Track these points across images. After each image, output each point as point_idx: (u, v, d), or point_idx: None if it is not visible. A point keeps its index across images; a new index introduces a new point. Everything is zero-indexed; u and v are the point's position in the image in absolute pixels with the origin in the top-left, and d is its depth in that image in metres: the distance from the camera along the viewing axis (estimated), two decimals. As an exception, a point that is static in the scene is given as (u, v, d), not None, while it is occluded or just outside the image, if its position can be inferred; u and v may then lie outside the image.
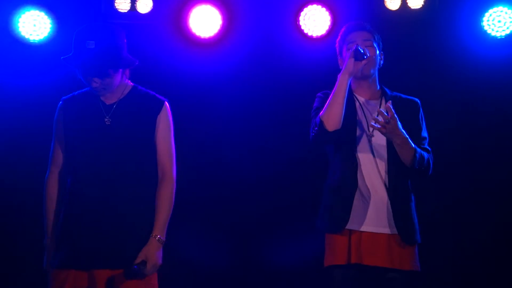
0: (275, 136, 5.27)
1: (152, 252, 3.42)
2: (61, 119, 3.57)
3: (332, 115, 3.72)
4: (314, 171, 5.01)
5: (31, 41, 5.10)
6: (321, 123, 3.72)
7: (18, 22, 5.08)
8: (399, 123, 3.67)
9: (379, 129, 3.67)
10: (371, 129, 3.81)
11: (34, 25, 5.09)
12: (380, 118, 3.65)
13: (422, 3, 5.05)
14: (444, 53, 5.16)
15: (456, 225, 5.15)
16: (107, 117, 3.52)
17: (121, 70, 3.52)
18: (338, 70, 3.88)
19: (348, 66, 3.75)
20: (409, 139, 3.73)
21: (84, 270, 3.40)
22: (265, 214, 5.21)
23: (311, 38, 5.11)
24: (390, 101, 3.73)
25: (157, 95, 3.62)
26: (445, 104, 5.08)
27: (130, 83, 3.61)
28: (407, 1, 5.06)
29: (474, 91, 5.15)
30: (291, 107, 5.20)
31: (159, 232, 3.46)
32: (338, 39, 3.97)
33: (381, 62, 3.97)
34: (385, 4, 5.07)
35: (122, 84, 3.56)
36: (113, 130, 3.49)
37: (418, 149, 3.78)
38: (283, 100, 5.26)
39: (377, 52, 3.89)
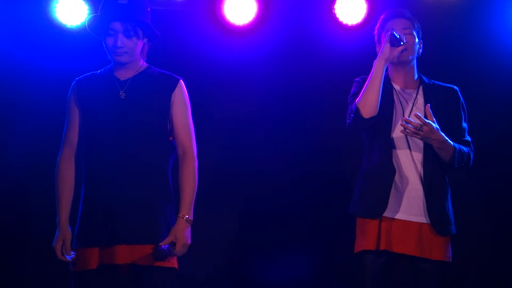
0: (308, 124, 5.26)
1: (181, 233, 3.45)
2: (75, 97, 3.60)
3: (368, 101, 3.71)
4: (349, 159, 5.02)
5: (68, 26, 5.12)
6: (357, 110, 3.72)
7: (55, 7, 5.09)
8: (434, 125, 3.64)
9: (412, 136, 3.67)
10: (406, 116, 3.78)
11: (71, 11, 5.09)
12: (414, 120, 3.63)
13: (458, -7, 5.04)
14: (479, 43, 5.12)
15: (493, 219, 5.12)
16: (122, 91, 3.55)
17: (142, 43, 3.56)
18: (374, 59, 3.87)
19: (384, 51, 3.74)
20: (448, 140, 3.71)
21: (105, 246, 3.43)
22: (291, 203, 5.23)
23: (346, 26, 5.08)
24: (429, 105, 3.70)
25: (172, 74, 3.64)
26: (480, 96, 5.03)
27: (145, 64, 3.64)
28: (443, -10, 5.04)
29: (508, 82, 5.10)
30: (326, 96, 5.20)
31: (186, 212, 3.48)
32: (377, 27, 3.95)
33: (420, 50, 3.93)
34: (421, -7, 5.06)
35: (138, 61, 3.60)
36: (128, 104, 3.51)
37: (458, 146, 3.76)
38: (318, 88, 5.25)
39: (416, 40, 3.86)
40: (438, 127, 3.67)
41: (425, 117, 3.67)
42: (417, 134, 3.63)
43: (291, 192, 5.21)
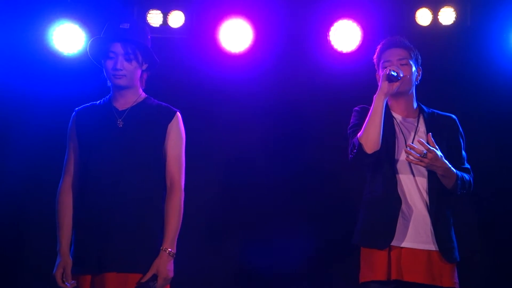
0: (305, 151, 5.29)
1: (163, 266, 3.45)
2: (74, 127, 3.63)
3: (370, 137, 3.70)
4: (338, 182, 5.04)
5: (65, 54, 5.15)
6: (360, 145, 3.70)
7: (52, 35, 5.13)
8: (438, 153, 3.64)
9: (416, 164, 3.66)
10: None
11: (68, 39, 5.11)
12: (418, 147, 3.62)
13: (454, 20, 5.06)
14: (475, 69, 5.14)
15: (493, 243, 5.12)
16: (120, 119, 3.57)
17: (141, 70, 3.59)
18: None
19: (382, 87, 3.73)
20: (451, 167, 3.71)
21: (97, 274, 3.44)
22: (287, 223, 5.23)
23: (341, 53, 5.11)
24: (431, 133, 3.69)
25: (169, 106, 3.67)
26: (475, 122, 5.05)
27: (144, 94, 3.67)
28: (438, 17, 5.07)
29: (505, 109, 5.12)
30: (322, 123, 5.23)
31: (169, 245, 3.48)
32: (375, 56, 3.94)
33: (419, 77, 3.93)
34: (416, 20, 5.08)
35: (136, 89, 3.63)
36: (125, 133, 3.54)
37: (460, 174, 3.76)
38: (314, 115, 5.27)
39: (413, 69, 3.86)
40: (441, 154, 3.67)
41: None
42: (421, 161, 3.63)
43: (291, 222, 5.21)
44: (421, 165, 3.66)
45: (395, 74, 3.72)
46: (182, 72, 5.23)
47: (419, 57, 3.94)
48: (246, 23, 5.13)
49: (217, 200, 5.26)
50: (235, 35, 5.14)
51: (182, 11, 5.17)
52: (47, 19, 5.12)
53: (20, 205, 5.24)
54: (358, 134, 3.74)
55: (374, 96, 3.75)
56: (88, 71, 4.95)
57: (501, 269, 5.08)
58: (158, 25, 5.14)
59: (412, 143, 3.74)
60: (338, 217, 5.09)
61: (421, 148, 3.62)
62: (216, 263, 5.20)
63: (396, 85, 3.74)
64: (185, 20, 5.17)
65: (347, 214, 4.98)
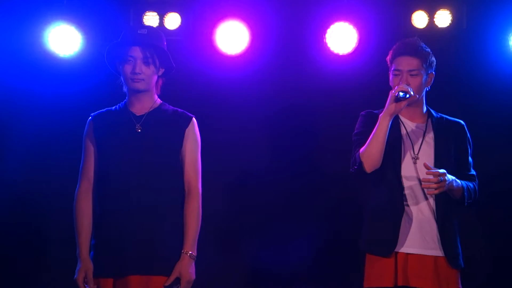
0: (301, 148, 5.30)
1: (185, 269, 3.51)
2: (92, 132, 3.65)
3: (371, 156, 3.69)
4: (337, 182, 5.04)
5: (61, 56, 5.14)
6: (360, 163, 3.71)
7: (48, 36, 5.11)
8: (447, 176, 3.62)
9: (440, 191, 3.63)
10: (416, 151, 3.76)
11: (64, 40, 5.09)
12: (434, 170, 3.60)
13: (450, 22, 5.07)
14: (471, 72, 5.15)
15: (497, 250, 5.14)
16: (138, 124, 3.61)
17: (157, 76, 3.64)
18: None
19: (389, 109, 3.69)
20: (456, 179, 3.69)
21: (119, 277, 3.49)
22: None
23: (337, 55, 5.11)
24: (425, 162, 3.64)
25: (185, 112, 3.71)
26: (471, 125, 5.04)
27: (159, 100, 3.71)
28: (434, 20, 5.07)
29: (502, 112, 5.13)
30: (320, 126, 5.25)
31: (190, 248, 3.54)
32: (388, 57, 3.87)
33: (431, 83, 3.87)
34: (412, 23, 5.08)
35: (152, 94, 3.67)
36: (144, 137, 3.59)
37: (465, 185, 3.75)
38: (309, 117, 5.28)
39: (424, 78, 3.80)
40: (445, 170, 3.65)
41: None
42: (442, 187, 3.60)
43: (295, 223, 5.24)
44: (440, 191, 3.61)
45: (402, 94, 3.68)
46: (178, 74, 5.21)
47: (433, 60, 3.87)
48: (243, 25, 5.14)
49: (216, 201, 5.26)
50: (232, 37, 5.14)
51: (178, 13, 5.16)
52: (43, 21, 5.11)
53: (19, 207, 5.24)
54: (361, 150, 3.73)
55: (380, 115, 3.72)
56: (84, 73, 4.96)
57: (505, 276, 5.10)
58: (154, 27, 5.13)
59: (420, 148, 3.76)
60: (340, 218, 5.11)
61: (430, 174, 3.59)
62: (226, 266, 5.22)
63: (404, 104, 3.70)
64: (182, 22, 5.16)
65: (348, 215, 5.00)
